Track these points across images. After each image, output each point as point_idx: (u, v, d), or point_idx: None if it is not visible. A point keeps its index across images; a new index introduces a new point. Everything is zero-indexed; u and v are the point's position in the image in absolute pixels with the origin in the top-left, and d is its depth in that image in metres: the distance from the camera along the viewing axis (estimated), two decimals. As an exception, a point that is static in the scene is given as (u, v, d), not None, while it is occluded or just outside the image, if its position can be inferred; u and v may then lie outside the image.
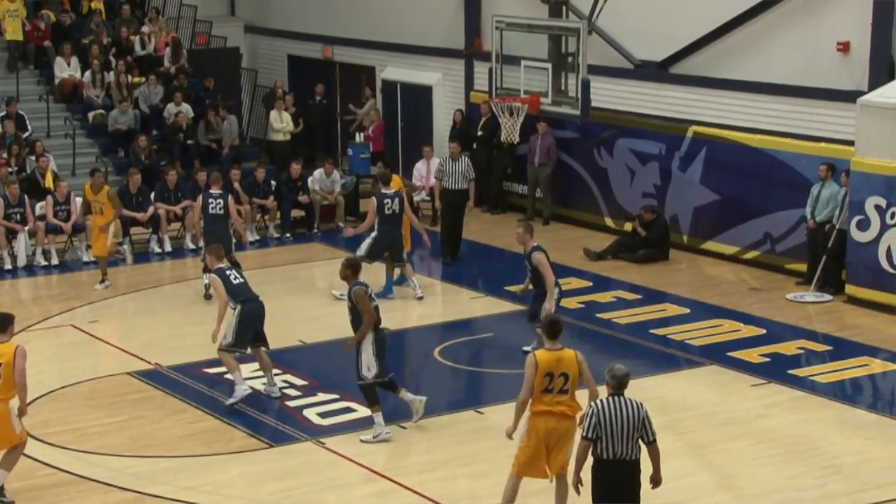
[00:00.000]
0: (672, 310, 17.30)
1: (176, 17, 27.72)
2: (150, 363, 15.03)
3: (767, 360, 15.17)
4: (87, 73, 24.33)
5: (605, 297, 17.93)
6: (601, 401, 9.65)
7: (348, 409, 13.58)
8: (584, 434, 9.61)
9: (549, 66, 19.65)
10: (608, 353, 15.60)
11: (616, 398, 9.64)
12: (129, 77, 24.46)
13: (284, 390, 14.13)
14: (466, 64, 24.27)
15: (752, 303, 17.51)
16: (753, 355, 15.29)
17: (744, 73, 19.75)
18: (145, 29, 25.85)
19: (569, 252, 19.95)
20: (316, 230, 21.93)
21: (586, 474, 9.78)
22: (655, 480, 9.77)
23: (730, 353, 15.30)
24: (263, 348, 13.93)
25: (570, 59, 19.54)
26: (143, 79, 24.64)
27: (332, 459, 12.40)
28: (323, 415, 13.48)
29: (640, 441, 9.63)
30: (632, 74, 21.44)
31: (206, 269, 15.59)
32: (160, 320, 17.03)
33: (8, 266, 19.46)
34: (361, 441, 12.76)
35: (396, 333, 16.12)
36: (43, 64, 24.89)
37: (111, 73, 24.51)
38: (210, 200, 17.37)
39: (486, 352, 15.91)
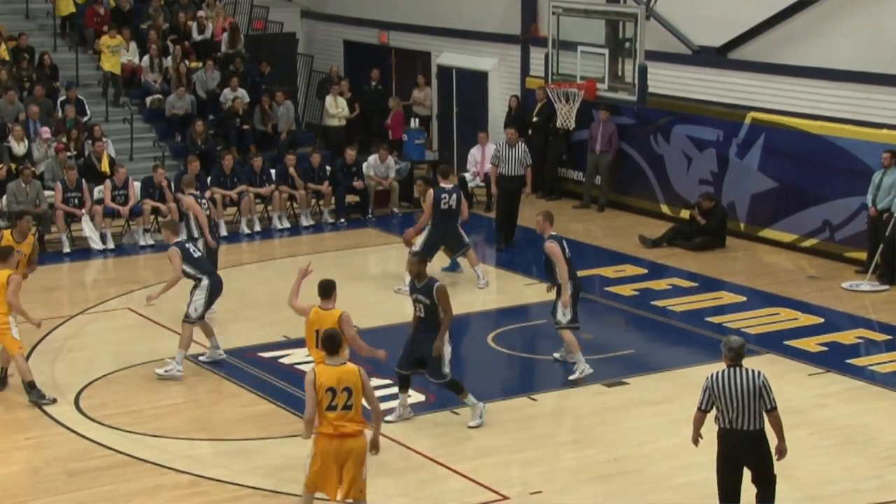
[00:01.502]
0: (728, 298, 17.17)
1: (233, 2, 27.86)
2: (204, 346, 15.11)
3: (825, 349, 15.05)
4: (146, 59, 24.51)
5: (661, 284, 17.82)
6: (716, 372, 9.83)
7: (402, 395, 13.60)
8: (698, 405, 9.89)
9: (605, 51, 19.50)
10: (663, 341, 15.57)
11: (732, 369, 9.80)
12: (187, 62, 24.61)
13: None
14: (522, 49, 24.18)
15: (810, 291, 17.36)
16: (811, 344, 15.17)
17: (804, 59, 19.52)
18: (202, 14, 25.97)
19: (624, 239, 19.86)
20: (370, 215, 21.97)
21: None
22: (780, 451, 9.93)
23: (787, 342, 15.17)
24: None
25: (627, 44, 19.38)
26: (200, 64, 24.78)
27: (385, 444, 12.18)
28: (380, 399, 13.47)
29: (762, 411, 9.76)
30: (690, 60, 21.27)
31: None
32: (216, 304, 17.08)
33: (67, 249, 19.66)
34: (469, 427, 12.71)
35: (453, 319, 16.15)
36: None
37: (169, 58, 24.67)
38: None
39: (540, 338, 15.84)
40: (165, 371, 14.16)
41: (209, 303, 14.41)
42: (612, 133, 21.86)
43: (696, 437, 10.13)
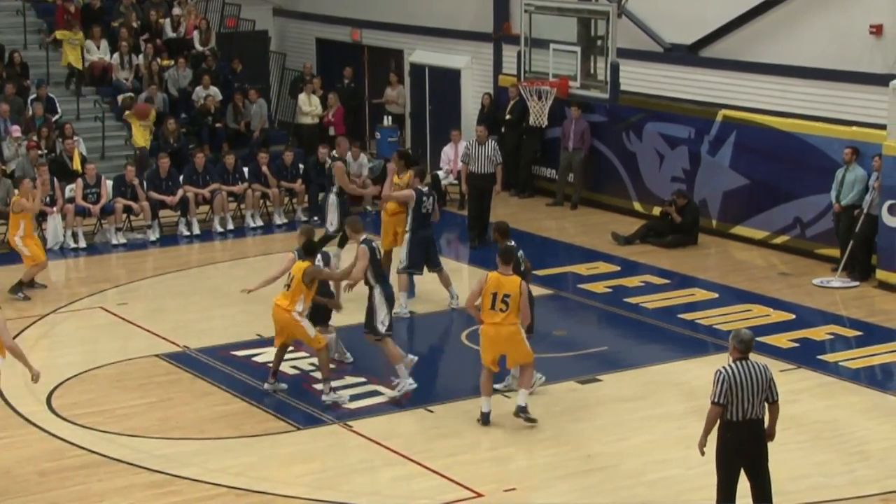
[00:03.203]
0: (700, 294, 17.23)
1: (205, 0, 27.75)
2: (178, 345, 15.08)
3: (796, 345, 15.10)
4: (116, 56, 24.39)
5: (633, 281, 17.87)
6: (730, 366, 9.82)
7: (376, 393, 13.60)
8: (715, 399, 9.76)
9: (578, 49, 19.54)
10: (636, 338, 15.61)
11: (744, 362, 9.82)
12: (159, 60, 24.50)
13: (312, 373, 14.13)
14: (495, 47, 24.20)
15: (781, 288, 17.43)
16: (782, 340, 15.22)
17: (775, 57, 19.63)
18: (175, 12, 25.87)
19: (597, 236, 19.91)
20: (344, 213, 21.89)
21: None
22: (770, 435, 10.00)
23: (758, 339, 14.88)
24: None
25: (599, 42, 19.43)
26: (172, 62, 24.68)
27: (359, 442, 12.41)
28: (350, 398, 13.46)
29: (765, 401, 9.86)
30: (661, 58, 21.35)
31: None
32: (189, 303, 17.08)
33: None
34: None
35: (423, 317, 16.16)
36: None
37: (140, 55, 24.57)
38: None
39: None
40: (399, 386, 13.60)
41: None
42: (584, 130, 21.91)
43: (706, 439, 9.93)
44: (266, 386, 13.61)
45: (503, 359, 12.84)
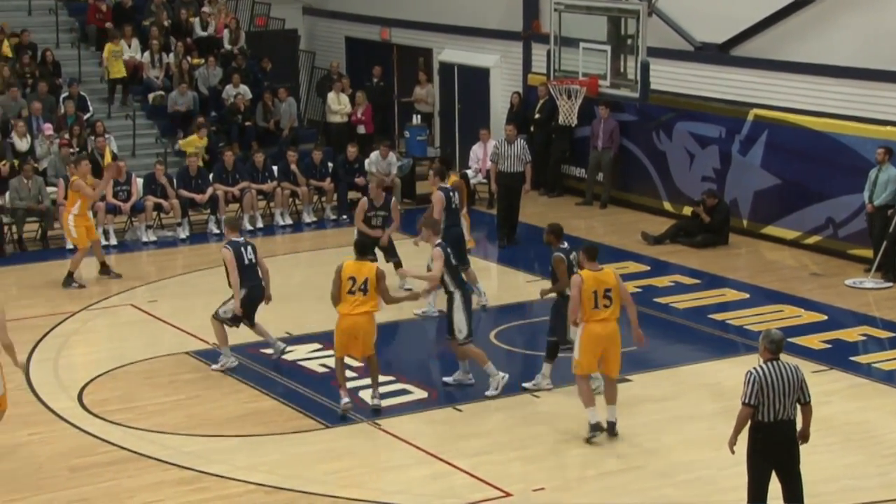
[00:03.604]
0: (731, 295, 17.16)
1: (235, -1, 27.89)
2: (207, 343, 15.11)
3: (828, 346, 15.03)
4: (147, 55, 24.48)
5: (663, 281, 17.80)
6: (761, 367, 9.77)
7: (404, 391, 13.60)
8: (746, 400, 9.71)
9: (607, 48, 19.51)
10: (665, 338, 15.54)
11: (775, 363, 9.79)
12: (189, 59, 24.58)
13: (341, 371, 14.15)
14: (524, 46, 24.14)
15: (813, 288, 17.34)
16: (814, 341, 15.15)
17: (807, 56, 19.49)
18: (205, 10, 25.96)
19: (627, 236, 19.84)
20: (372, 212, 21.90)
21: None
22: (804, 437, 9.97)
23: (790, 339, 14.87)
24: None
25: (629, 41, 19.38)
26: (202, 60, 24.76)
27: (387, 441, 12.42)
28: (379, 396, 13.47)
29: (797, 402, 9.83)
30: (692, 57, 21.25)
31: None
32: (218, 300, 17.00)
33: (70, 246, 19.63)
34: (522, 386, 13.47)
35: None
36: (104, 45, 25.04)
37: (171, 54, 24.66)
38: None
39: (542, 335, 15.69)
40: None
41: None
42: (613, 129, 21.85)
43: (737, 439, 9.90)
44: (343, 402, 12.90)
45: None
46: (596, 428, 12.18)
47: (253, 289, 14.10)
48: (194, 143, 22.29)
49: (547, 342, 13.70)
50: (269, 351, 14.58)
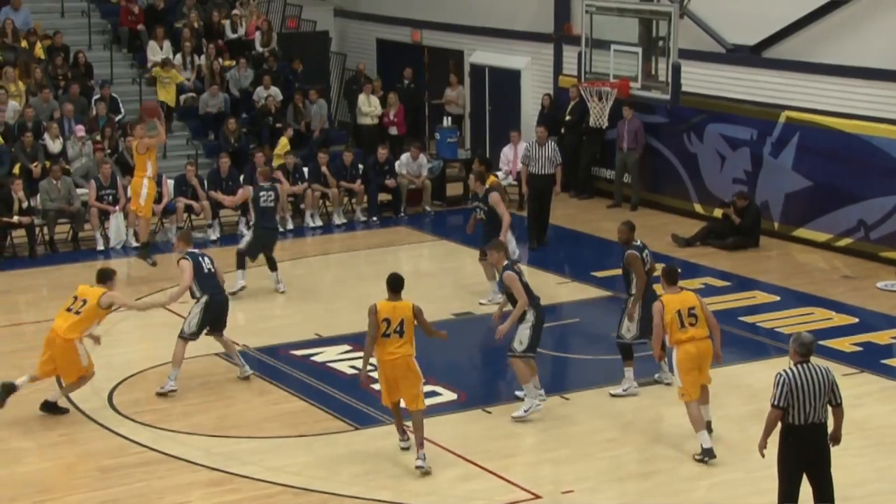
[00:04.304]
0: (762, 297, 17.09)
1: (266, 0, 27.89)
2: (237, 344, 15.13)
3: (860, 349, 14.95)
4: (179, 57, 24.59)
5: (694, 283, 17.68)
6: (791, 369, 9.76)
7: (433, 393, 13.51)
8: (776, 403, 9.72)
9: (639, 50, 19.41)
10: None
11: (805, 365, 9.78)
12: (220, 60, 24.68)
13: (371, 373, 14.11)
14: (555, 48, 24.12)
15: (844, 291, 17.24)
16: (845, 344, 15.07)
17: (839, 58, 19.38)
18: (236, 12, 26.05)
19: (657, 238, 19.73)
20: (402, 214, 21.96)
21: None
22: (835, 439, 9.96)
23: (821, 342, 14.88)
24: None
25: (660, 43, 19.28)
26: (234, 62, 24.85)
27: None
28: None
29: (828, 405, 9.81)
30: (723, 59, 21.17)
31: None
32: (248, 302, 17.16)
33: (101, 247, 19.78)
34: (610, 394, 13.46)
35: (482, 317, 16.13)
36: (136, 47, 25.22)
37: (202, 56, 24.76)
38: (262, 193, 17.33)
39: (572, 337, 15.83)
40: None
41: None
42: (637, 130, 21.80)
43: (766, 441, 9.85)
44: (403, 445, 12.22)
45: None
46: (707, 453, 11.86)
47: (214, 296, 13.92)
48: (285, 148, 22.46)
49: (618, 346, 13.58)
50: (242, 370, 14.25)
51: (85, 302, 12.96)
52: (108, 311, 13.16)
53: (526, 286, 12.83)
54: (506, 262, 12.91)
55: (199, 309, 13.80)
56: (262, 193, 17.39)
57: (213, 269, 14.03)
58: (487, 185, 16.51)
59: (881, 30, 18.91)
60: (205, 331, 13.94)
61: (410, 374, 11.70)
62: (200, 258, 14.04)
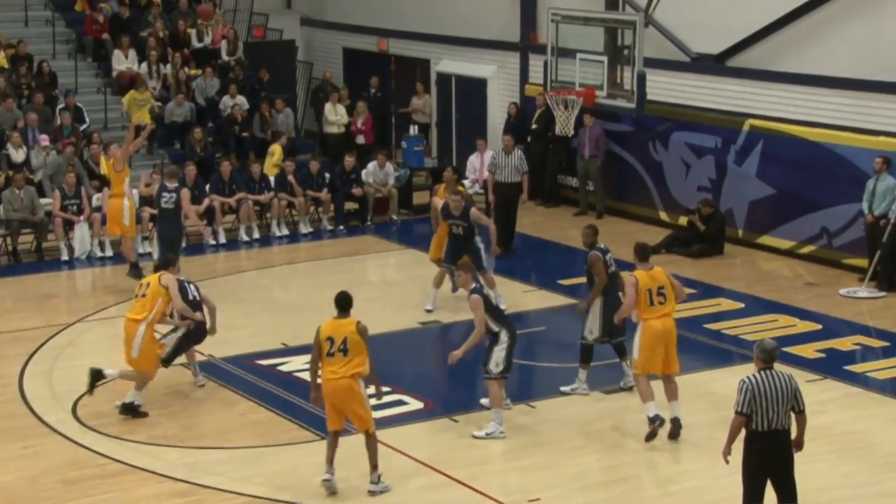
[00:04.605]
0: (726, 304, 17.17)
1: (232, 9, 27.84)
2: (203, 354, 15.08)
3: (823, 355, 15.03)
4: (144, 66, 24.50)
5: (659, 291, 17.77)
6: (754, 376, 9.80)
7: (400, 402, 13.56)
8: (739, 409, 9.75)
9: (604, 58, 19.45)
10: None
11: (768, 372, 9.82)
12: (186, 69, 24.60)
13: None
14: (521, 57, 24.18)
15: (808, 298, 17.34)
16: (808, 351, 15.16)
17: (802, 66, 19.52)
18: (202, 21, 25.94)
19: (623, 246, 19.62)
20: (369, 223, 21.94)
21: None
22: (798, 445, 10.01)
23: (785, 349, 14.95)
24: None
25: (625, 51, 19.33)
26: (200, 71, 24.77)
27: (383, 452, 12.23)
28: (375, 407, 13.17)
29: (791, 411, 9.85)
30: (688, 67, 21.29)
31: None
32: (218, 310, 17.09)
33: (65, 257, 19.66)
34: (560, 390, 13.62)
35: (448, 326, 16.14)
36: (101, 57, 25.11)
37: (168, 65, 24.68)
38: (164, 194, 17.32)
39: (539, 345, 15.84)
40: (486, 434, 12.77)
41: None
42: (598, 137, 21.88)
43: (731, 448, 9.90)
44: (324, 478, 11.54)
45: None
46: (654, 420, 12.29)
47: (197, 326, 13.81)
48: (279, 155, 22.43)
49: (580, 347, 13.72)
50: (200, 380, 14.23)
51: (149, 285, 13.38)
52: (167, 293, 13.28)
53: (495, 310, 12.73)
54: (474, 286, 12.73)
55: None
56: (164, 194, 17.37)
57: (197, 297, 13.81)
58: (457, 197, 16.48)
59: (844, 39, 19.05)
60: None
61: (352, 394, 11.24)
62: (186, 284, 13.89)
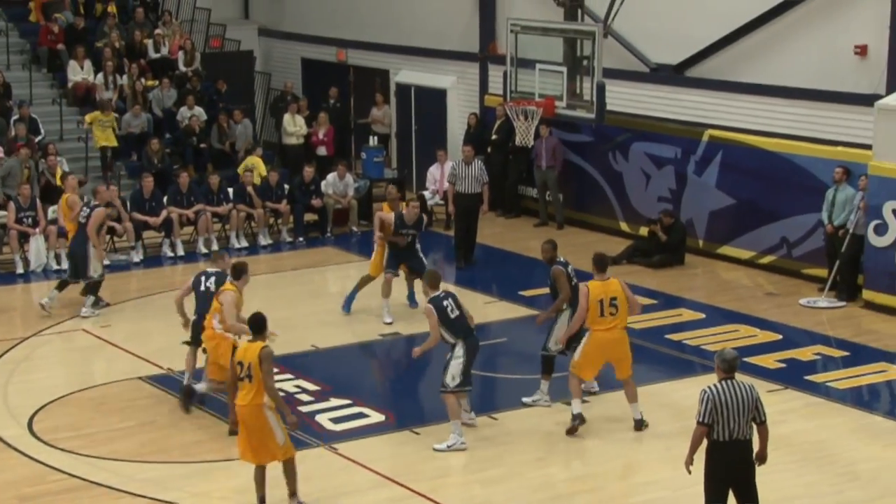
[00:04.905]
0: (687, 315, 17.19)
1: (190, 20, 27.65)
2: (161, 367, 14.95)
3: (783, 365, 15.06)
4: (100, 76, 24.28)
5: (620, 301, 17.78)
6: (715, 386, 9.79)
7: (361, 415, 13.50)
8: (701, 419, 9.74)
9: (564, 69, 19.49)
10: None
11: (729, 382, 9.81)
12: (143, 80, 24.40)
13: (297, 395, 14.02)
14: (481, 67, 24.17)
15: (768, 308, 17.38)
16: (769, 361, 15.18)
17: (760, 77, 19.60)
18: (159, 32, 25.77)
19: (583, 257, 19.61)
20: (329, 234, 21.84)
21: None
22: (761, 458, 9.98)
23: (746, 359, 14.98)
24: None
25: (585, 62, 19.38)
26: (157, 82, 24.58)
27: (344, 465, 12.31)
28: (335, 420, 13.39)
29: (752, 421, 9.83)
30: (647, 78, 21.31)
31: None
32: (172, 324, 16.85)
33: (20, 270, 19.42)
34: (522, 401, 13.61)
35: (410, 338, 16.06)
36: (56, 67, 24.85)
37: (124, 76, 24.47)
38: (84, 209, 17.14)
39: (500, 357, 15.79)
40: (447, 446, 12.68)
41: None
42: (554, 147, 21.88)
43: (693, 458, 9.91)
44: None
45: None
46: (577, 418, 12.73)
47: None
48: (258, 165, 22.27)
49: (542, 358, 13.68)
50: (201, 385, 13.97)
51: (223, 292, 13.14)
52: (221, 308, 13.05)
53: (453, 323, 12.59)
54: (432, 295, 12.67)
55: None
56: (84, 209, 17.24)
57: (211, 290, 13.59)
58: (416, 203, 16.80)
59: (802, 49, 19.15)
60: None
61: (259, 424, 10.77)
62: (203, 276, 13.81)
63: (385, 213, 16.93)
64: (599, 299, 12.59)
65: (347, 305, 17.05)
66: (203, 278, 13.83)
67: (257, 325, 11.12)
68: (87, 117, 23.08)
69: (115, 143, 22.91)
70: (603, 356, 12.84)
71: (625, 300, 12.72)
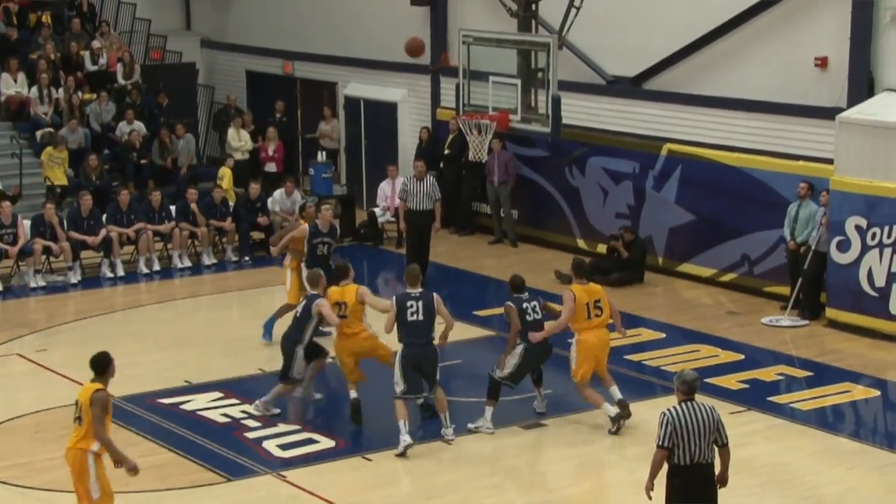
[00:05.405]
0: (647, 335, 16.92)
1: (129, 31, 27.26)
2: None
3: (746, 386, 14.89)
4: (35, 90, 23.64)
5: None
6: (675, 408, 9.63)
7: (310, 441, 13.21)
8: (661, 443, 9.62)
9: (518, 81, 19.27)
10: (582, 381, 15.15)
11: (689, 403, 9.70)
12: (80, 94, 23.82)
13: (243, 421, 13.70)
14: (433, 80, 23.88)
15: (730, 327, 17.18)
16: (731, 381, 14.99)
17: (719, 90, 19.43)
18: (96, 43, 25.27)
19: (540, 275, 19.47)
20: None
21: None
22: (722, 480, 9.88)
23: (707, 380, 14.81)
24: None
25: (539, 74, 19.19)
26: (94, 95, 24.06)
27: (292, 493, 12.04)
28: (283, 447, 13.09)
29: (713, 444, 9.74)
30: (604, 90, 21.09)
31: None
32: (112, 348, 16.05)
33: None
34: (467, 427, 13.38)
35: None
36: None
37: (60, 89, 23.85)
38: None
39: (454, 379, 15.39)
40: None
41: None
42: (507, 161, 21.54)
43: (653, 483, 9.71)
44: None
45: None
46: (617, 418, 13.22)
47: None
48: (228, 179, 22.09)
49: (489, 380, 13.54)
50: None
51: (346, 304, 13.46)
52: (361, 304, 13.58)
53: (408, 324, 13.08)
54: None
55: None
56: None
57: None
58: (328, 206, 16.66)
59: (760, 62, 19.01)
60: None
61: (81, 471, 10.03)
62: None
63: (303, 228, 16.36)
64: (586, 302, 13.20)
65: (268, 334, 16.41)
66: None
67: (100, 364, 10.33)
68: (43, 156, 22.36)
69: (64, 182, 22.24)
70: (594, 356, 13.31)
71: (607, 302, 13.40)
